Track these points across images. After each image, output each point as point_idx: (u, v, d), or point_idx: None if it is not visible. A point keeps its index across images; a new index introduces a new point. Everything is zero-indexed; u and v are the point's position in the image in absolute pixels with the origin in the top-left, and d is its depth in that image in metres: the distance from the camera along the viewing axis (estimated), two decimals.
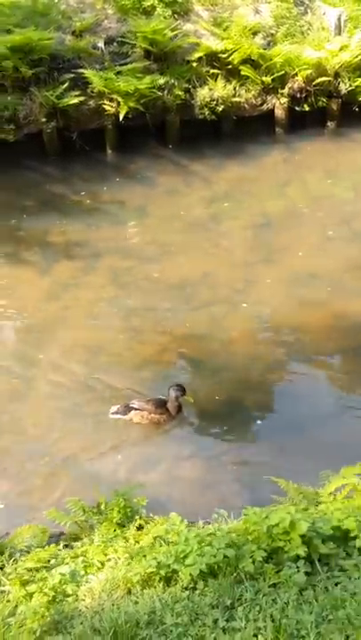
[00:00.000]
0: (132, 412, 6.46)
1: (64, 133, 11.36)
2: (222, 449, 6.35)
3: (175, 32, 11.40)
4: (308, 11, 12.36)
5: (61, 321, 8.15)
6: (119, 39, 11.49)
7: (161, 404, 6.51)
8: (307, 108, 11.73)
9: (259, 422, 6.74)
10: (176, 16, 11.76)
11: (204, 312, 8.24)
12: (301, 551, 3.28)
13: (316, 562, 3.34)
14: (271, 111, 11.84)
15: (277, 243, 9.50)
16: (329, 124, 12.08)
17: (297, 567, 3.25)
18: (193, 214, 10.25)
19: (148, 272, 8.96)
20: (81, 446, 6.37)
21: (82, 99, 11.00)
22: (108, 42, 11.53)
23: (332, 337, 7.85)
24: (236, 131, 11.92)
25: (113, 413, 6.50)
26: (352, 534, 3.50)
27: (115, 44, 11.54)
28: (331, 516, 3.57)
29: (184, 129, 11.68)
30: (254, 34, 11.74)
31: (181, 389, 6.48)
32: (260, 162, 11.67)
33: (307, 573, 3.28)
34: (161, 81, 11.09)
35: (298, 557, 3.30)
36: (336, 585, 3.23)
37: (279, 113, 11.78)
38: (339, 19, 11.79)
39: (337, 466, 5.20)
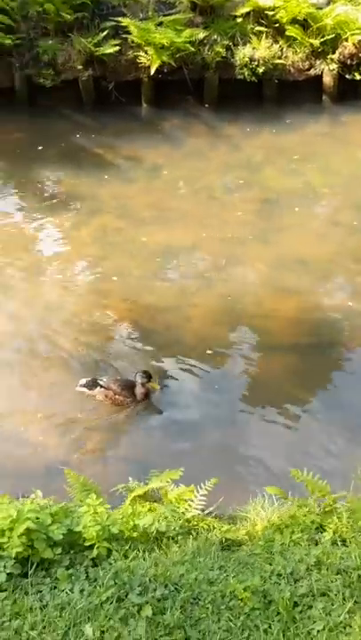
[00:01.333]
0: (98, 388, 6.36)
1: (100, 83, 11.22)
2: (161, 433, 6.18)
3: None
4: None
5: (34, 273, 8.24)
6: None
7: (128, 387, 6.35)
8: (358, 77, 10.85)
9: (196, 407, 6.51)
10: None
11: (177, 284, 8.04)
12: (14, 552, 3.22)
13: (34, 565, 3.27)
14: (319, 77, 11.05)
15: (279, 222, 9.01)
16: None
17: (4, 567, 3.20)
18: (206, 181, 9.91)
19: (136, 235, 8.81)
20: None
21: (118, 48, 10.76)
22: None
23: (297, 330, 7.43)
24: (279, 95, 11.27)
25: (81, 386, 6.41)
26: (88, 543, 3.39)
27: None
28: (79, 521, 3.47)
29: (223, 88, 11.19)
30: None
31: (147, 376, 6.30)
32: (298, 132, 11.01)
33: (23, 575, 3.23)
34: (201, 35, 10.63)
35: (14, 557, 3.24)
36: (37, 593, 3.16)
37: (327, 80, 10.99)
38: None
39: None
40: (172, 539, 3.73)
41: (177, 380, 6.69)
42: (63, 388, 6.60)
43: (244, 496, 4.69)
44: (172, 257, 8.46)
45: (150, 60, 10.62)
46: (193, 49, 10.55)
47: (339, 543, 3.61)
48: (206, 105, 11.33)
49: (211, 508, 4.12)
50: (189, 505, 4.02)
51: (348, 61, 10.80)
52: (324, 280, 8.08)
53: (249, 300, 7.76)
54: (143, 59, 10.74)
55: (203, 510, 4.08)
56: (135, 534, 3.55)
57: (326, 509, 3.92)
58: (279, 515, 3.92)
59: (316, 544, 3.62)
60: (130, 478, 4.54)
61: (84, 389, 6.39)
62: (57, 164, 10.34)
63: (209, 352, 6.97)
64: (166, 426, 6.30)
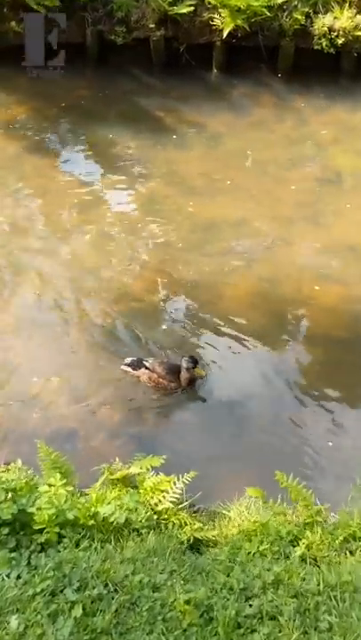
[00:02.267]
0: (142, 370, 6.11)
1: (172, 44, 10.82)
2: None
3: None
4: None
5: (75, 234, 8.09)
6: None
7: (173, 371, 6.08)
8: None
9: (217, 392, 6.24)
10: None
11: (217, 260, 7.70)
12: None
13: None
14: None
15: (335, 205, 8.51)
16: None
17: None
18: (266, 154, 9.45)
19: (183, 204, 8.51)
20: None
21: (193, 9, 10.32)
22: None
23: (335, 321, 7.02)
24: (358, 70, 10.58)
25: (125, 365, 6.19)
26: (38, 527, 3.22)
27: None
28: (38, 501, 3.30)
29: (299, 58, 10.60)
30: None
31: (193, 361, 5.98)
32: None
33: None
34: (280, 0, 10.03)
35: None
36: None
37: None
38: None
39: None
40: (136, 531, 3.52)
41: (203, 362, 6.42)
42: (84, 356, 6.47)
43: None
44: (216, 230, 8.12)
45: (224, 23, 10.12)
46: (270, 14, 9.99)
47: (308, 560, 3.30)
48: (279, 75, 10.78)
49: (185, 503, 3.86)
50: (163, 496, 3.79)
51: None
52: None
53: (290, 285, 7.38)
54: (217, 21, 10.27)
55: (179, 503, 3.84)
56: (92, 522, 3.36)
57: (307, 521, 3.61)
58: (255, 520, 3.64)
59: (287, 558, 3.33)
60: (116, 458, 4.33)
61: (129, 369, 6.16)
62: (117, 124, 10.09)
63: (237, 335, 6.66)
64: (197, 415, 6.03)
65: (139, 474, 3.93)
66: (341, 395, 6.14)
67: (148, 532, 3.51)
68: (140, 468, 3.94)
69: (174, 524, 3.68)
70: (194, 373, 6.03)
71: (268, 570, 3.11)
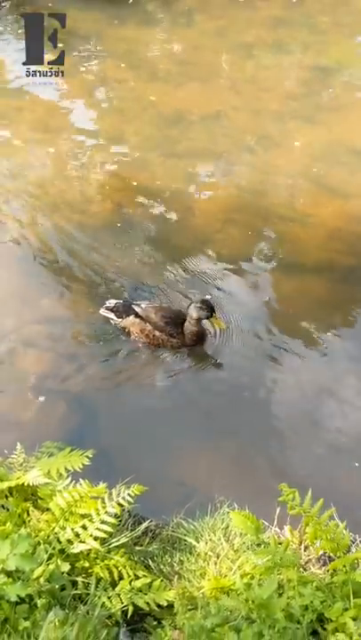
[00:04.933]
0: (132, 317, 4.30)
1: None
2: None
3: None
4: None
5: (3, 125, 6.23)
6: None
7: (175, 322, 4.28)
8: None
9: None
10: None
11: (185, 164, 6.01)
12: None
13: None
14: None
15: (334, 98, 6.85)
16: None
17: None
18: (248, 35, 7.62)
19: (143, 92, 6.77)
20: None
21: None
22: None
23: (337, 244, 5.35)
24: None
25: (107, 309, 4.37)
26: None
27: None
28: None
29: None
30: None
31: (208, 308, 4.12)
32: None
33: None
34: None
35: None
36: None
37: None
38: None
39: None
40: (28, 603, 1.93)
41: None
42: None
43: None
44: (184, 126, 6.46)
45: None
46: None
47: None
48: None
49: (121, 538, 2.25)
50: (84, 526, 2.19)
51: None
52: None
53: (279, 198, 5.75)
54: None
55: (107, 540, 2.24)
56: None
57: (335, 576, 2.06)
58: (247, 569, 2.09)
59: None
60: (17, 446, 2.69)
61: (111, 315, 4.36)
62: None
63: (210, 262, 4.95)
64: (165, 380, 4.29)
65: (45, 484, 2.31)
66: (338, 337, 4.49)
67: (48, 607, 1.92)
68: (48, 473, 2.31)
69: (100, 579, 2.10)
70: (203, 327, 4.26)
71: None
